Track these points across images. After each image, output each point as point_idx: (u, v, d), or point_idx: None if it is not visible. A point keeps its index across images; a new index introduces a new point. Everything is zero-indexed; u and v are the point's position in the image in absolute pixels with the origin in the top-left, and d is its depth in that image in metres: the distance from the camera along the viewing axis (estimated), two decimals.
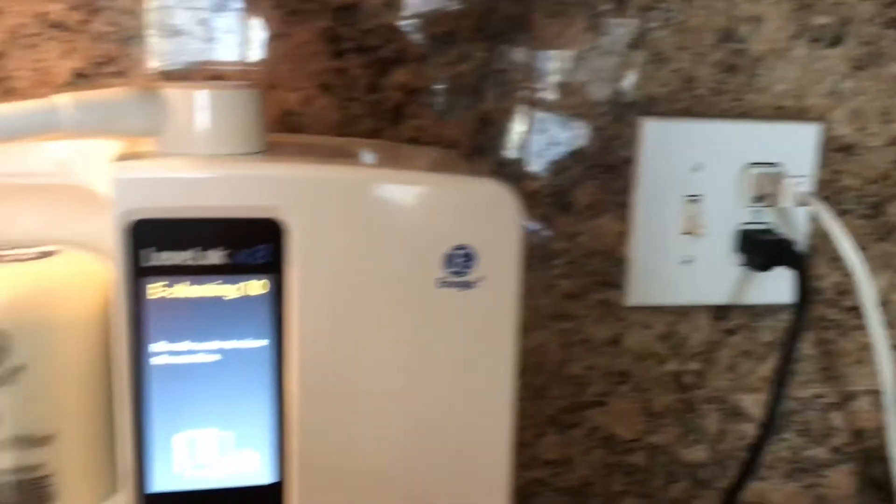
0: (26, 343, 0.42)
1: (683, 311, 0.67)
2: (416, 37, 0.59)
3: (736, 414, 0.70)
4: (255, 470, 0.45)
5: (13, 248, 0.47)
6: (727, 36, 0.63)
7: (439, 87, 0.60)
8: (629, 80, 0.62)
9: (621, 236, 0.65)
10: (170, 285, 0.42)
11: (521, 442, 0.67)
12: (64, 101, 0.40)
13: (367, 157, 0.51)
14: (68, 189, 0.46)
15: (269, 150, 0.46)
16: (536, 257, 0.64)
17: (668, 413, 0.69)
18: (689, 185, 0.64)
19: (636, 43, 0.62)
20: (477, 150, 0.62)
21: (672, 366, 0.68)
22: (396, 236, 0.44)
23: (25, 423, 0.43)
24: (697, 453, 0.70)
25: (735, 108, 0.64)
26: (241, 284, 0.43)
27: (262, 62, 0.58)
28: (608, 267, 0.65)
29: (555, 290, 0.65)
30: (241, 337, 0.43)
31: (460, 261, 0.45)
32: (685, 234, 0.64)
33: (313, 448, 0.45)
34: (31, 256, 0.45)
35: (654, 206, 0.64)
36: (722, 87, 0.64)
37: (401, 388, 0.46)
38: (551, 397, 0.67)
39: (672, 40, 0.62)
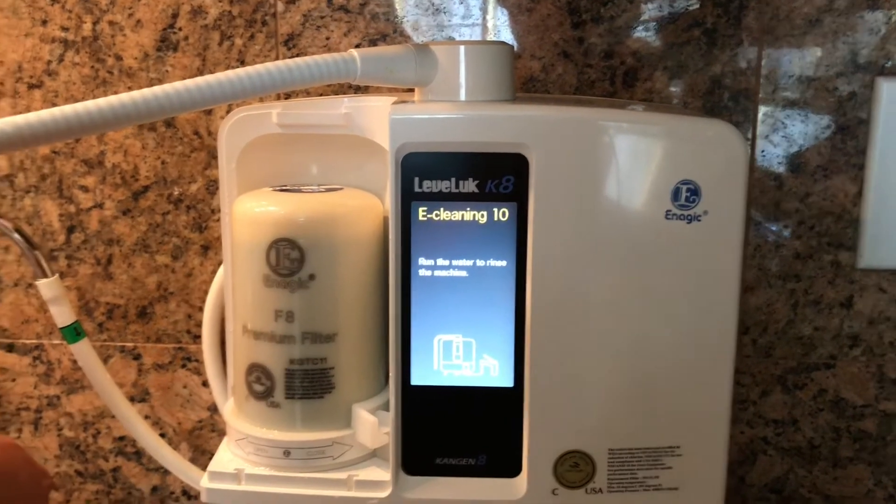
0: (317, 256, 0.52)
1: None
2: (650, 5, 0.64)
3: None
4: (496, 373, 0.51)
5: (307, 185, 0.57)
6: None
7: (671, 51, 0.64)
8: (866, 41, 0.63)
9: (855, 197, 0.65)
10: (430, 210, 0.50)
11: (746, 399, 0.69)
12: (355, 54, 0.49)
13: (603, 103, 0.56)
14: (351, 139, 0.55)
15: (518, 99, 0.52)
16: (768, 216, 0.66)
17: None
18: None
19: (874, 3, 0.62)
20: (708, 111, 0.65)
21: None
22: (629, 170, 0.49)
23: (314, 323, 0.52)
24: None
25: None
26: (489, 211, 0.50)
27: (511, 33, 0.65)
28: (840, 228, 0.66)
29: (784, 250, 0.66)
30: (486, 257, 0.50)
31: (687, 195, 0.49)
32: None
33: (545, 359, 0.51)
34: (321, 191, 0.55)
35: (891, 166, 0.63)
36: None
37: (627, 311, 0.50)
38: (777, 357, 0.68)
39: None
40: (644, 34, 0.64)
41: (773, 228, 0.66)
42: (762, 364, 0.69)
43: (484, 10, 0.65)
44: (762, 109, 0.65)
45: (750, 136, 0.65)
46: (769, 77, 0.64)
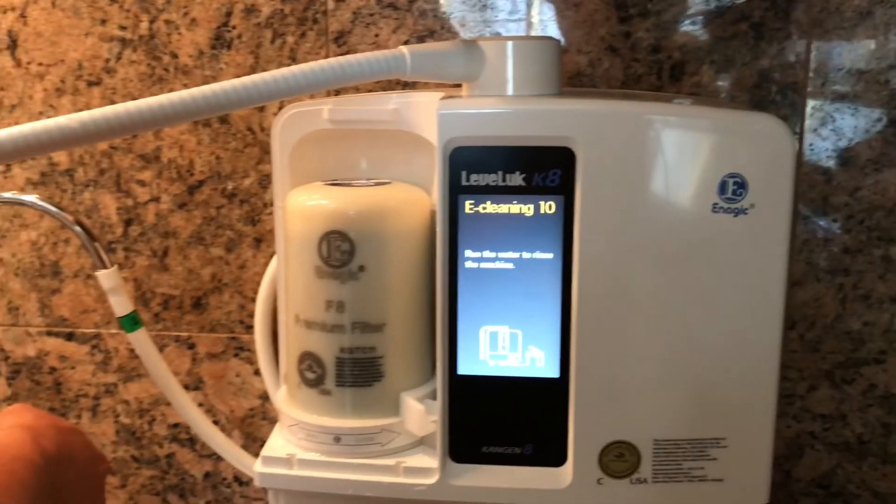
0: (367, 248, 0.53)
1: None
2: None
3: None
4: (542, 364, 0.52)
5: (357, 179, 0.58)
6: None
7: (718, 45, 0.64)
8: None
9: None
10: (476, 203, 0.51)
11: (792, 393, 0.69)
12: (404, 50, 0.50)
13: (650, 97, 0.57)
14: (399, 134, 0.56)
15: (564, 94, 0.53)
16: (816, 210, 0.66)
17: None
18: None
19: None
20: (755, 105, 0.65)
21: None
22: (675, 164, 0.49)
23: (363, 313, 0.54)
24: None
25: None
26: (535, 204, 0.50)
27: (557, 29, 0.66)
28: (891, 222, 0.65)
29: (832, 244, 0.66)
30: (532, 249, 0.51)
31: (734, 188, 0.49)
32: None
33: (591, 350, 0.51)
34: (370, 185, 0.57)
35: None
36: None
37: (672, 303, 0.51)
38: (825, 351, 0.68)
39: None
40: (691, 28, 0.64)
41: (822, 223, 0.66)
42: (809, 359, 0.68)
43: (530, 6, 0.66)
44: (811, 103, 0.64)
45: (798, 130, 0.65)
46: (818, 70, 0.64)
